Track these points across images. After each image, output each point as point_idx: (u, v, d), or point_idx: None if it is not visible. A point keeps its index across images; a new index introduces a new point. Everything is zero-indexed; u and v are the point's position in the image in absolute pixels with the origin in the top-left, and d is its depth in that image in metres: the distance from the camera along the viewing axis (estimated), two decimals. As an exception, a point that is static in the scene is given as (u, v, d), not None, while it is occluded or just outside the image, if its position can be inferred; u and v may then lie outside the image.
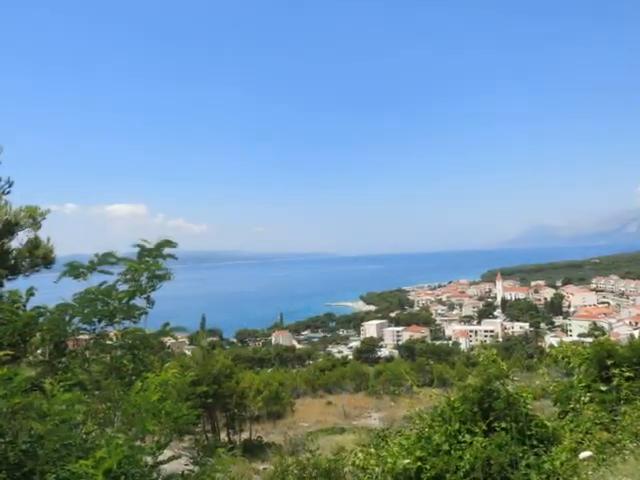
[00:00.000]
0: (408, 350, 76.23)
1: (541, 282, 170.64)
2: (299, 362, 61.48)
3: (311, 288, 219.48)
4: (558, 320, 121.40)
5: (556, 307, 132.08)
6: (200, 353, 19.24)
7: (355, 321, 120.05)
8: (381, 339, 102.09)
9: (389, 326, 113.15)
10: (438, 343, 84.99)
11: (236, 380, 18.60)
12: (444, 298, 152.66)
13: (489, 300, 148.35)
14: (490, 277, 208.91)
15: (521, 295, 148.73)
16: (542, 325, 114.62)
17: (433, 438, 4.11)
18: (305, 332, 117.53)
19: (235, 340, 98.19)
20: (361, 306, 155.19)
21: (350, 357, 62.67)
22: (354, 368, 34.97)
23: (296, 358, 63.58)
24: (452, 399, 4.33)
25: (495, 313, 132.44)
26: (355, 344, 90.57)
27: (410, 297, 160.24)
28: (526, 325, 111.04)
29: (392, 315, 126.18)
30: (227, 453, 3.27)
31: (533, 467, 3.72)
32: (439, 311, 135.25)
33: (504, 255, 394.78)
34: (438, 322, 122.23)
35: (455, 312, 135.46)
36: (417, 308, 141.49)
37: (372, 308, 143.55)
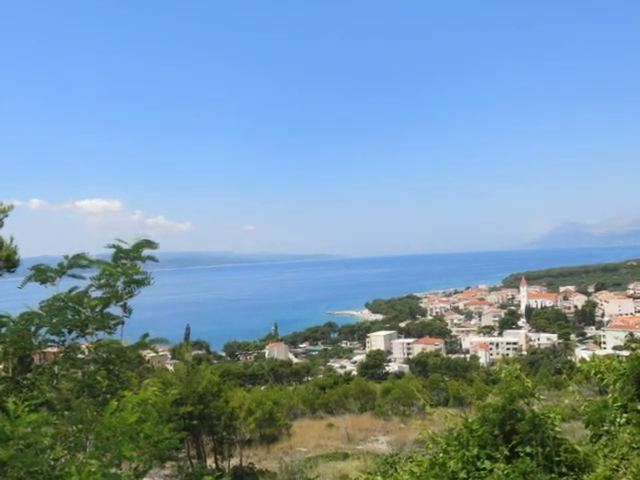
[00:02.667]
0: (420, 365, 76.40)
1: (571, 288, 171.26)
2: (296, 378, 61.63)
3: (310, 295, 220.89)
4: (590, 331, 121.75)
5: (588, 316, 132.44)
6: (184, 368, 19.21)
7: (360, 332, 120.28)
8: (389, 352, 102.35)
9: (398, 337, 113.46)
10: (454, 357, 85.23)
11: (225, 399, 18.64)
12: (461, 306, 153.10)
13: (511, 308, 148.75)
14: (513, 282, 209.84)
15: (548, 302, 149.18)
16: (572, 336, 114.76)
17: (448, 465, 4.09)
18: (303, 345, 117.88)
19: (224, 354, 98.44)
20: (367, 315, 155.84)
21: (354, 373, 62.83)
22: (358, 385, 34.98)
23: (293, 374, 63.73)
24: (470, 420, 4.32)
25: (519, 323, 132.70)
26: (360, 358, 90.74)
27: (422, 305, 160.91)
28: (554, 336, 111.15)
29: (402, 325, 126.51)
30: (214, 482, 3.27)
31: (562, 498, 3.70)
32: (455, 321, 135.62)
33: (529, 257, 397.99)
34: (454, 333, 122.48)
35: (473, 322, 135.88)
36: (430, 317, 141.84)
37: (379, 317, 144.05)
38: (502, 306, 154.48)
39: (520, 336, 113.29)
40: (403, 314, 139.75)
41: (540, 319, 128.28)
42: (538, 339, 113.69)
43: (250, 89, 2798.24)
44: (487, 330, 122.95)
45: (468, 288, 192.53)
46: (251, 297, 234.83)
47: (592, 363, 6.57)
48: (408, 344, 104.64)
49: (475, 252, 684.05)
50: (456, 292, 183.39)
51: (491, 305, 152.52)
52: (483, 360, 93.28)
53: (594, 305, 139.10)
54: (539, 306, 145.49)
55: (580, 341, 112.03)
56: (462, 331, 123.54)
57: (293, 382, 55.76)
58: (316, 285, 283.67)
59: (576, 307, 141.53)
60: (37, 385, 3.04)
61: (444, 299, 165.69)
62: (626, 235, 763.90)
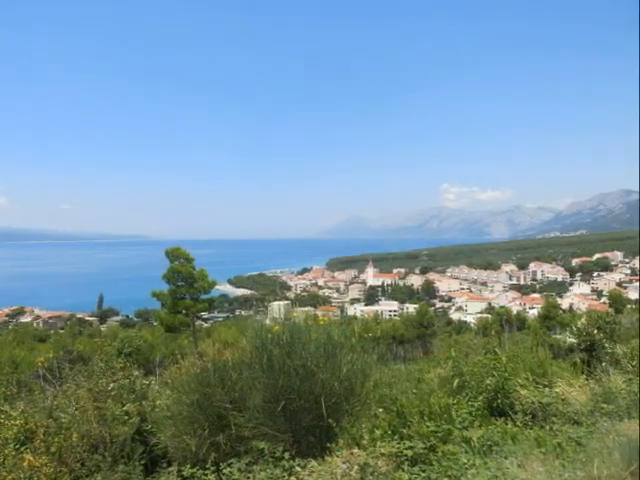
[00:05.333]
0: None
1: (401, 270, 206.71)
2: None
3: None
4: (438, 303, 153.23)
5: (431, 292, 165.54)
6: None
7: (251, 302, 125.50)
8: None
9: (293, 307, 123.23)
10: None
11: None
12: (320, 282, 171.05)
13: (358, 284, 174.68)
14: (337, 265, 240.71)
15: (389, 281, 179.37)
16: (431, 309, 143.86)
17: None
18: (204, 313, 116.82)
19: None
20: (234, 290, 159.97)
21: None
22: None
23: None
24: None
25: (380, 297, 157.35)
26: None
27: (282, 281, 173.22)
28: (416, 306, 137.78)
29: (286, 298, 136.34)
30: None
31: None
32: (326, 294, 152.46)
33: (329, 245, 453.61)
34: (335, 304, 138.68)
35: (344, 295, 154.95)
36: (300, 292, 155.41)
37: (249, 292, 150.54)
38: (351, 283, 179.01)
39: (394, 305, 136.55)
40: (276, 289, 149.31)
41: (398, 293, 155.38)
42: (407, 308, 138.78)
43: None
44: (364, 302, 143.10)
45: (305, 269, 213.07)
46: (102, 271, 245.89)
47: None
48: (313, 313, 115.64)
49: (282, 239, 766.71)
50: (305, 270, 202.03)
51: (346, 282, 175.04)
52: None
53: (431, 283, 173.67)
54: (384, 284, 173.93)
55: (442, 309, 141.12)
56: (341, 303, 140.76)
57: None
58: (155, 262, 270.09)
59: (412, 285, 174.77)
60: None
61: (301, 277, 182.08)
62: (396, 229, 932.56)
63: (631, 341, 10.50)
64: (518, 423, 5.13)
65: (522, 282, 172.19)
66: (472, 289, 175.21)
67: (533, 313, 68.40)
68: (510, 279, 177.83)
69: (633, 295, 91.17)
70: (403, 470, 4.02)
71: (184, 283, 27.40)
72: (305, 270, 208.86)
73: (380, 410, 5.76)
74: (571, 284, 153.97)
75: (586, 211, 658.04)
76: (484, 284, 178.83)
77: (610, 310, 39.78)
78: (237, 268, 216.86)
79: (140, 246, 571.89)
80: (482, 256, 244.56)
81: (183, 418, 5.53)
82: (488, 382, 6.19)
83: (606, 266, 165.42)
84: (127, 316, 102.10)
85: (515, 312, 57.45)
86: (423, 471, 3.97)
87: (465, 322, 78.15)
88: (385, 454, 4.25)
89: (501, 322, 42.03)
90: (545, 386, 5.99)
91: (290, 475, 4.27)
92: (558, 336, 24.98)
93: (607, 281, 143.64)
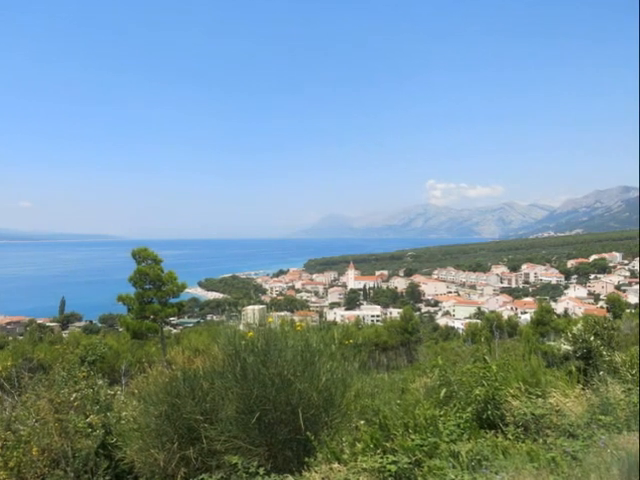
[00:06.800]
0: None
1: (384, 272, 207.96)
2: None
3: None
4: (422, 307, 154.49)
5: (416, 295, 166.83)
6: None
7: (222, 307, 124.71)
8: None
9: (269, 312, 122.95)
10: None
11: None
12: (298, 285, 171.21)
13: (338, 287, 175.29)
14: (315, 266, 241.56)
15: (371, 284, 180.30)
16: (416, 313, 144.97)
17: None
18: (172, 318, 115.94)
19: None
20: (205, 293, 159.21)
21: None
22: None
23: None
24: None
25: (362, 301, 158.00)
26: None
27: (257, 283, 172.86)
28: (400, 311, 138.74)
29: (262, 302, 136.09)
30: None
31: None
32: (304, 297, 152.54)
33: (307, 245, 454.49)
34: (313, 308, 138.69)
35: (321, 300, 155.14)
36: (276, 295, 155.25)
37: (221, 296, 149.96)
38: (330, 286, 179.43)
39: (377, 310, 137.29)
40: (250, 292, 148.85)
41: (381, 297, 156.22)
42: (391, 313, 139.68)
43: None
44: (344, 307, 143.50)
45: (281, 271, 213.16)
46: (64, 274, 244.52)
47: None
48: (291, 318, 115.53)
49: (257, 238, 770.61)
50: (281, 272, 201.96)
51: (325, 285, 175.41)
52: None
53: (416, 286, 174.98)
54: (365, 287, 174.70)
55: (428, 314, 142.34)
56: (319, 307, 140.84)
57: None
58: (120, 264, 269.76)
59: (396, 288, 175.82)
60: None
61: (277, 279, 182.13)
62: (379, 229, 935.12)
63: (630, 348, 10.42)
64: (509, 436, 5.09)
65: (514, 285, 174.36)
66: (460, 292, 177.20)
67: (525, 318, 69.41)
68: (501, 282, 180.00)
69: (632, 299, 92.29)
70: (386, 486, 4.01)
71: (152, 286, 27.17)
72: (281, 272, 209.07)
73: (362, 422, 5.71)
74: (566, 287, 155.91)
75: (582, 209, 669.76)
76: (473, 287, 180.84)
77: (608, 315, 40.44)
78: (209, 270, 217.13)
79: (105, 246, 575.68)
80: (471, 257, 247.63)
81: (151, 431, 5.49)
82: (477, 392, 6.18)
83: (604, 268, 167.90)
84: (91, 321, 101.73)
85: (506, 317, 58.14)
86: (408, 487, 3.96)
87: (453, 328, 78.88)
88: (367, 469, 4.23)
89: (491, 328, 42.48)
90: (538, 396, 5.96)
91: (265, 492, 4.24)
92: (552, 343, 25.32)
93: (605, 284, 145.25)
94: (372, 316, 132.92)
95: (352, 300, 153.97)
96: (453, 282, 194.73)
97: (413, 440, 4.64)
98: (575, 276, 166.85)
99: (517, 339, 36.77)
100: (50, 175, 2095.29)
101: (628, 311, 45.65)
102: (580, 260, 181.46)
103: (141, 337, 28.39)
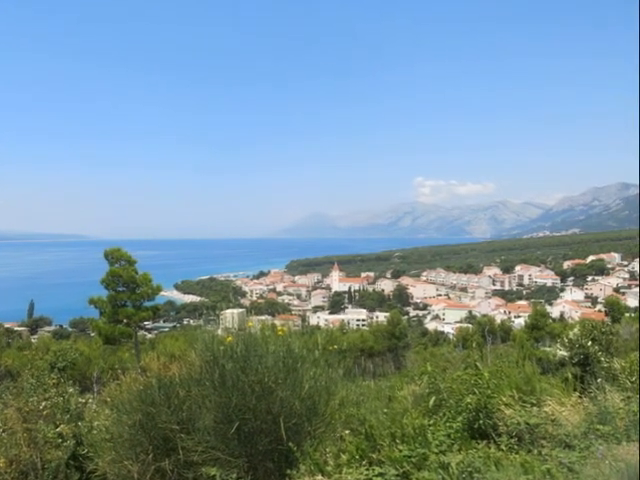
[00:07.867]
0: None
1: (370, 274, 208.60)
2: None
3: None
4: (411, 310, 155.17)
5: (404, 298, 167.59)
6: None
7: (199, 311, 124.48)
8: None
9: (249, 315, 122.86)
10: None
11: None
12: (279, 288, 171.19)
13: (321, 290, 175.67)
14: (297, 267, 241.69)
15: (357, 286, 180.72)
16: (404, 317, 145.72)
17: None
18: (147, 322, 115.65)
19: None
20: (180, 296, 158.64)
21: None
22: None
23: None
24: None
25: (347, 304, 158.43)
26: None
27: (237, 286, 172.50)
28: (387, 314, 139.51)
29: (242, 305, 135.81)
30: None
31: None
32: (286, 300, 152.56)
33: (288, 244, 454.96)
34: (295, 312, 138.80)
35: (305, 303, 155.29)
36: (256, 298, 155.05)
37: (198, 299, 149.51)
38: (314, 288, 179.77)
39: (363, 314, 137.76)
40: (229, 295, 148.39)
41: (367, 300, 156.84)
42: (377, 317, 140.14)
43: None
44: (329, 310, 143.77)
45: (262, 272, 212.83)
46: (32, 276, 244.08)
47: None
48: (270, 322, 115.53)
49: (236, 238, 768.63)
50: (262, 274, 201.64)
51: (308, 287, 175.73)
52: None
53: (404, 289, 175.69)
54: (351, 290, 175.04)
55: (416, 318, 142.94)
56: (302, 311, 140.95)
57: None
58: (92, 265, 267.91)
59: (383, 290, 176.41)
60: None
61: (258, 281, 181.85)
62: (364, 228, 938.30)
63: (630, 354, 10.44)
64: (502, 447, 5.07)
65: (507, 287, 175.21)
66: (450, 295, 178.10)
67: (519, 322, 69.76)
68: (493, 284, 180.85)
69: (632, 302, 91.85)
70: (373, 500, 4.00)
71: (125, 288, 26.98)
72: (262, 274, 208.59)
73: (347, 432, 5.70)
74: (562, 290, 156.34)
75: (579, 207, 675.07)
76: (464, 290, 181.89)
77: (606, 319, 40.68)
78: (185, 272, 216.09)
79: (76, 247, 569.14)
80: (462, 258, 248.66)
81: (124, 441, 5.46)
82: (468, 400, 6.15)
83: (602, 269, 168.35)
84: (61, 326, 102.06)
85: (499, 321, 58.46)
86: (395, 501, 3.95)
87: (442, 333, 79.21)
88: (352, 482, 4.22)
89: (483, 333, 42.77)
90: (533, 405, 5.94)
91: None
92: (547, 348, 25.50)
93: (603, 286, 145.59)
94: (357, 320, 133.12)
95: (336, 303, 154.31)
96: (443, 284, 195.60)
97: (401, 451, 4.61)
98: (571, 278, 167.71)
99: (510, 344, 36.96)
100: (20, 172, 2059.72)
101: (627, 315, 45.19)
102: (577, 261, 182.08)
103: (114, 342, 28.16)
